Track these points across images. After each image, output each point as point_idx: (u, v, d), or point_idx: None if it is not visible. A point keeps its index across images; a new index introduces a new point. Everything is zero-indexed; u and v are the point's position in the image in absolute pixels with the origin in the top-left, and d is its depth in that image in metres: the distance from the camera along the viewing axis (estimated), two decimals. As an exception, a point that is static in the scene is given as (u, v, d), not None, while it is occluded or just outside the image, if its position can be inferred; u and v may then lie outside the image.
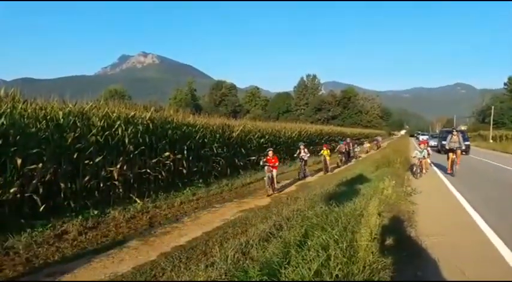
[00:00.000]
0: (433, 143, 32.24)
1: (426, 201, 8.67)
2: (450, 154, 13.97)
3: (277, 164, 11.32)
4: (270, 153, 11.44)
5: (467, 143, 26.04)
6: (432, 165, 17.09)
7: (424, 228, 6.32)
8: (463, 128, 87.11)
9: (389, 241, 5.09)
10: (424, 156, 13.47)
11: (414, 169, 13.55)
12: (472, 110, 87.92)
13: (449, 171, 13.86)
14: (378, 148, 37.81)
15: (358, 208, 6.02)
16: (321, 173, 16.76)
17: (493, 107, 62.84)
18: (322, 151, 17.34)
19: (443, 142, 21.87)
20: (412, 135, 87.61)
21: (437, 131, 75.38)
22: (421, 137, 59.75)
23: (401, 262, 4.35)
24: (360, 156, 27.28)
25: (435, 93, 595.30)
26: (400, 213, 7.06)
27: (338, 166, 19.83)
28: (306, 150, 15.07)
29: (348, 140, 25.07)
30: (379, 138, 45.03)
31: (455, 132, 14.47)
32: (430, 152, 13.31)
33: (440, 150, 26.13)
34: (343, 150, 20.98)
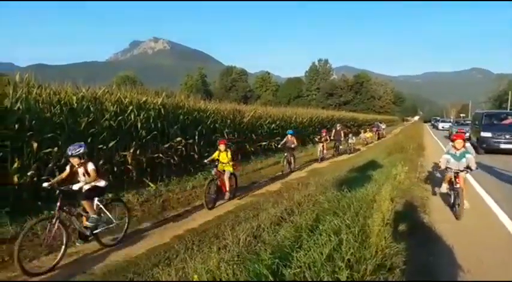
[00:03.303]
0: None
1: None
2: None
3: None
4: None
5: None
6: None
7: (438, 214, 6.30)
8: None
9: (402, 227, 5.08)
10: (468, 168, 6.48)
11: (445, 189, 6.95)
12: (488, 96, 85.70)
13: None
14: (378, 138, 29.98)
15: (370, 193, 6.01)
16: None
17: (510, 92, 61.31)
18: (215, 154, 8.49)
19: (485, 134, 15.41)
20: (426, 121, 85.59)
21: (452, 117, 71.99)
22: (441, 125, 47.47)
23: (414, 247, 4.35)
24: (357, 149, 21.62)
25: (450, 78, 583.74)
26: (413, 199, 7.03)
27: (287, 170, 12.55)
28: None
29: (338, 126, 19.17)
30: (382, 125, 35.33)
31: None
32: (474, 160, 6.50)
33: (479, 147, 15.43)
34: (293, 146, 13.14)
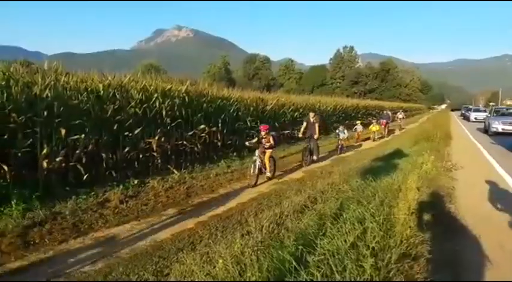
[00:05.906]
0: (501, 127, 18.72)
1: (467, 177, 8.38)
2: None
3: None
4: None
5: None
6: None
7: (464, 204, 6.15)
8: (509, 102, 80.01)
9: (427, 216, 4.99)
10: None
11: None
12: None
13: None
14: (387, 133, 21.88)
15: (395, 182, 5.91)
16: None
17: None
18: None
19: None
20: (454, 109, 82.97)
21: (480, 105, 68.83)
22: (473, 115, 35.15)
23: (439, 237, 4.27)
24: (360, 143, 17.86)
25: (480, 65, 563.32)
26: (440, 188, 6.88)
27: None
28: None
29: (312, 116, 11.58)
30: (399, 114, 28.77)
31: None
32: None
33: None
34: None
